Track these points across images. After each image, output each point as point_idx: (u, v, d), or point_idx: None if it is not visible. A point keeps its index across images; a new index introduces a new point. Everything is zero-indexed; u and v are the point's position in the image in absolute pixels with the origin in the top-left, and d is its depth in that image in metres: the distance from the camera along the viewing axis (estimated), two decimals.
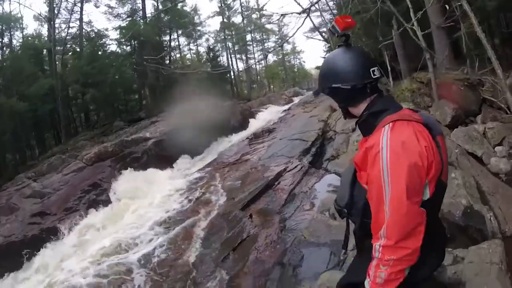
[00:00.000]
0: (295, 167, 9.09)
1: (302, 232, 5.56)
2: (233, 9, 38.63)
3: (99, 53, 22.93)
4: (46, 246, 8.37)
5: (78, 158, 12.82)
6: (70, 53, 23.72)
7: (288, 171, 8.90)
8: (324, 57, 1.86)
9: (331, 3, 20.87)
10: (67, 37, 23.77)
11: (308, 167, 9.11)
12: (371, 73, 1.51)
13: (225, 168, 11.06)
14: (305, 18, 6.65)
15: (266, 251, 5.40)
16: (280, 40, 44.50)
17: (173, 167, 13.43)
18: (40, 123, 19.59)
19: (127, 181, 11.40)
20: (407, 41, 11.01)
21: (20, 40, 20.97)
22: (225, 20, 36.94)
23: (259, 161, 10.54)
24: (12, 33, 20.13)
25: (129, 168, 12.22)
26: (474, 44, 8.54)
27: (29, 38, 21.61)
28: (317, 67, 36.17)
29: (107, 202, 10.43)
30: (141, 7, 26.74)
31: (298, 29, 8.29)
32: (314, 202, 6.94)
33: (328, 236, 5.20)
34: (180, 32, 32.46)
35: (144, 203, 9.70)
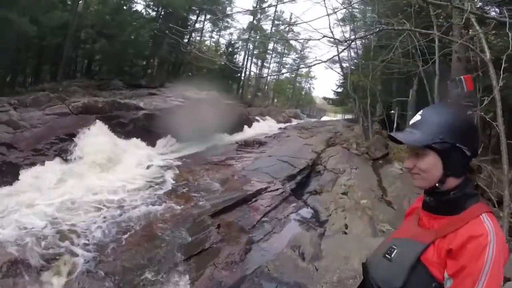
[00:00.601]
0: (277, 189, 8.82)
1: (267, 263, 5.23)
2: (266, 13, 38.55)
3: (124, 7, 22.26)
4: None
5: (65, 102, 12.27)
6: None
7: (269, 191, 8.61)
8: (437, 107, 1.49)
9: (358, 42, 20.99)
10: None
11: (289, 194, 8.85)
12: None
13: (206, 165, 10.72)
14: (344, 49, 6.41)
15: (225, 271, 5.03)
16: (299, 60, 44.61)
17: (156, 145, 13.08)
18: (43, 53, 18.83)
19: (105, 144, 10.83)
20: (420, 102, 10.99)
21: None
22: (254, 21, 36.71)
23: (242, 171, 10.26)
24: None
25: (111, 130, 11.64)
26: (482, 129, 8.50)
27: None
28: (325, 98, 36.24)
29: (76, 157, 9.92)
30: None
31: (334, 56, 8.01)
32: (286, 234, 6.61)
33: (293, 276, 4.91)
34: (208, 16, 32.24)
35: (111, 175, 9.20)
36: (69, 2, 19.79)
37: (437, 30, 7.60)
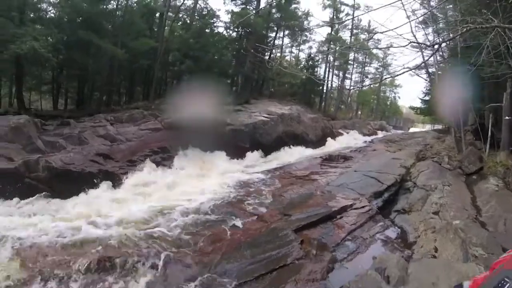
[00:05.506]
0: (363, 207, 8.43)
1: (349, 284, 4.98)
2: (344, 22, 37.86)
3: (206, 30, 23.42)
4: (99, 186, 8.77)
5: (158, 119, 13.16)
6: (179, 23, 24.57)
7: (354, 208, 8.26)
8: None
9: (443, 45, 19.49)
10: (181, 7, 24.62)
11: (376, 212, 8.39)
12: None
13: (290, 179, 10.72)
14: (432, 54, 5.99)
15: None
16: (381, 68, 43.10)
17: (242, 158, 13.67)
18: (135, 76, 20.84)
19: (193, 156, 11.77)
20: None
21: None
22: (332, 33, 36.26)
23: (326, 186, 10.02)
24: None
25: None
26: None
27: None
28: (411, 107, 34.20)
29: (169, 168, 10.82)
30: None
31: (422, 63, 7.55)
32: (371, 254, 6.29)
33: None
34: (286, 32, 32.63)
35: (200, 184, 9.74)
36: (155, 29, 21.64)
37: None
